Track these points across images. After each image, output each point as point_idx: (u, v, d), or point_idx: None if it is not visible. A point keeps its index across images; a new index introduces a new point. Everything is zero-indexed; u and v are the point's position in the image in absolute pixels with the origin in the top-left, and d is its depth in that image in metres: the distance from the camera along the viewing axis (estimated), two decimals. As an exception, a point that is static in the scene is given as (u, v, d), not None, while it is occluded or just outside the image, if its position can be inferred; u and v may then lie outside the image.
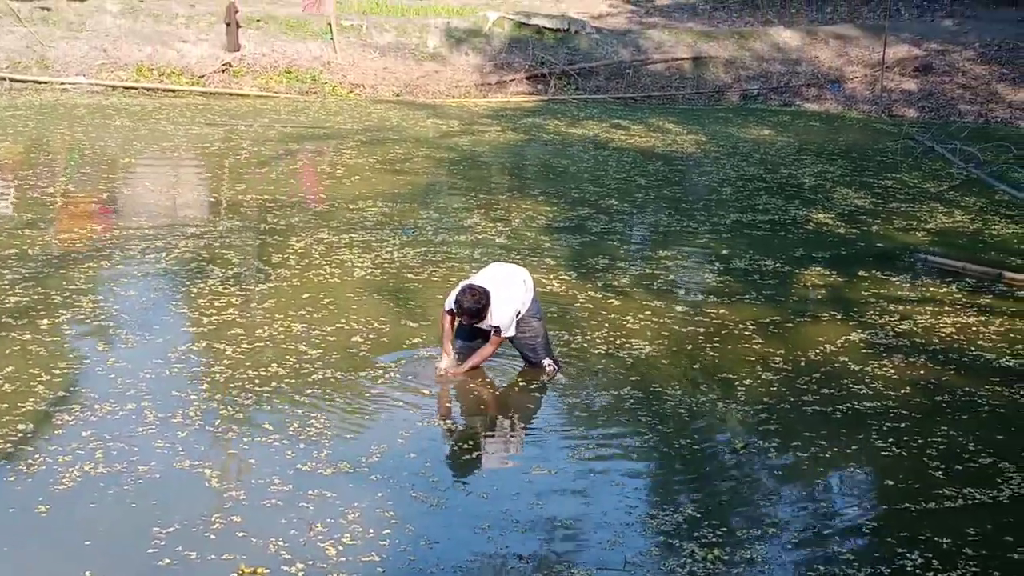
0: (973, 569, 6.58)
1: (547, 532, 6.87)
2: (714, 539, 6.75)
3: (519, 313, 9.07)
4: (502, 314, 8.96)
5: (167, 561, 6.16)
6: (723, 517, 7.09)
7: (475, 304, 8.82)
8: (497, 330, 9.00)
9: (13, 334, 9.56)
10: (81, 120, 20.64)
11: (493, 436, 8.46)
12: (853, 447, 8.25)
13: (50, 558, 6.19)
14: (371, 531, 6.61)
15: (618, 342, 10.18)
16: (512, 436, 8.52)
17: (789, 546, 6.78)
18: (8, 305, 10.31)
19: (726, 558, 6.55)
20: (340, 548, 6.39)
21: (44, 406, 8.15)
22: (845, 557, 6.64)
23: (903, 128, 22.82)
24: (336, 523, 6.68)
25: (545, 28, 28.68)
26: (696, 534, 6.81)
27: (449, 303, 9.01)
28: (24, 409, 8.05)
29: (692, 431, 8.40)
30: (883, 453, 8.18)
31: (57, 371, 8.83)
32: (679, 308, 11.28)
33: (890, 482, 7.73)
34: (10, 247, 12.20)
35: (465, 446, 8.17)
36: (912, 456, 8.13)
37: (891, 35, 28.52)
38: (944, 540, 6.88)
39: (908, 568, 6.55)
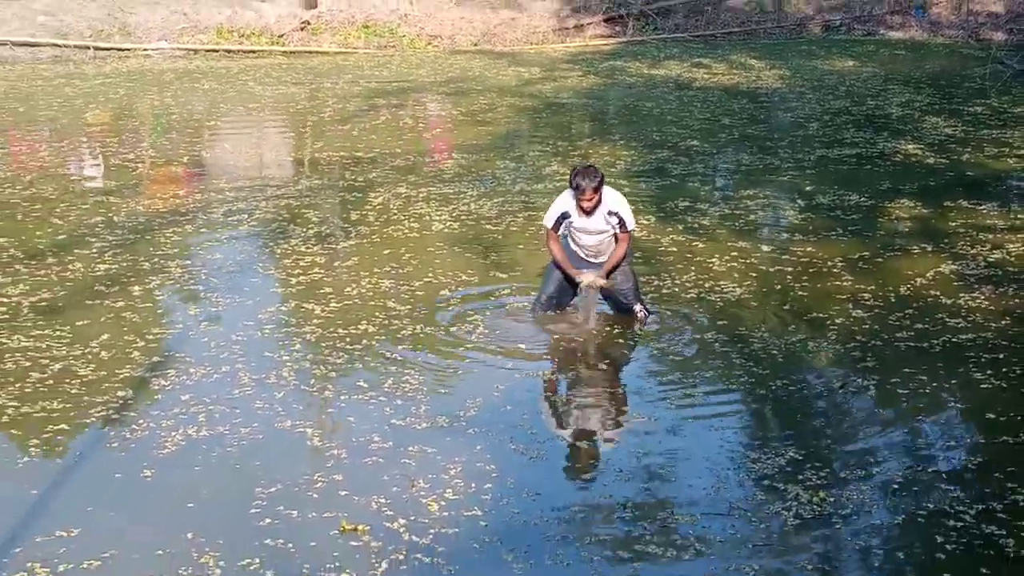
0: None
1: (649, 479, 6.83)
2: (818, 481, 6.67)
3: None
4: (617, 200, 8.98)
5: (268, 521, 6.21)
6: (826, 459, 7.01)
7: (593, 179, 8.75)
8: (623, 224, 8.94)
9: (107, 301, 9.69)
10: (169, 85, 20.91)
11: (589, 385, 8.40)
12: (952, 381, 8.13)
13: (154, 521, 6.25)
14: (472, 485, 6.61)
15: (706, 285, 10.11)
16: (607, 384, 8.47)
17: (895, 486, 6.67)
18: (99, 273, 10.45)
19: (832, 500, 6.47)
20: (442, 503, 6.40)
21: (141, 372, 8.25)
22: (955, 495, 6.52)
23: (991, 52, 22.32)
24: (437, 478, 6.69)
25: (622, -31, 28.41)
26: (800, 477, 6.73)
27: (551, 219, 8.99)
28: (122, 376, 8.16)
29: (787, 372, 8.32)
30: (983, 386, 8.05)
31: (151, 337, 8.93)
32: (765, 247, 11.20)
33: (991, 415, 7.61)
34: (97, 214, 12.38)
35: (561, 396, 8.19)
36: (1012, 388, 8.00)
37: (976, -43, 27.90)
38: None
39: (1021, 503, 6.44)
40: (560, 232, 9.05)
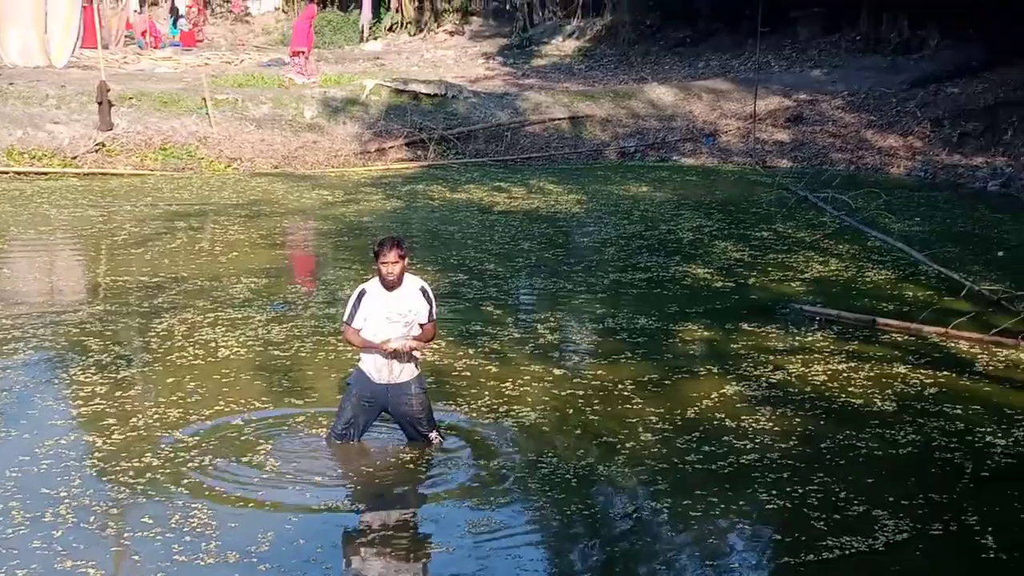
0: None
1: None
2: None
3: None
4: (425, 285, 8.94)
5: None
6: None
7: (396, 243, 8.70)
8: (430, 312, 8.86)
9: None
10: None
11: (385, 516, 8.25)
12: (740, 502, 8.31)
13: None
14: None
15: (501, 409, 10.15)
16: (405, 514, 8.35)
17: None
18: None
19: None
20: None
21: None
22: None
23: (777, 179, 23.28)
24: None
25: (422, 94, 28.80)
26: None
27: (348, 310, 8.87)
28: None
29: (582, 496, 8.38)
30: (768, 507, 8.26)
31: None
32: (557, 371, 11.28)
33: (778, 536, 7.79)
34: None
35: (357, 528, 8.04)
36: (795, 507, 8.23)
37: (762, 87, 29.20)
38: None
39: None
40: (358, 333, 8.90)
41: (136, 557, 7.26)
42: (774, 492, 8.45)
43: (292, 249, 17.17)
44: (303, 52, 31.25)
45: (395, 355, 8.82)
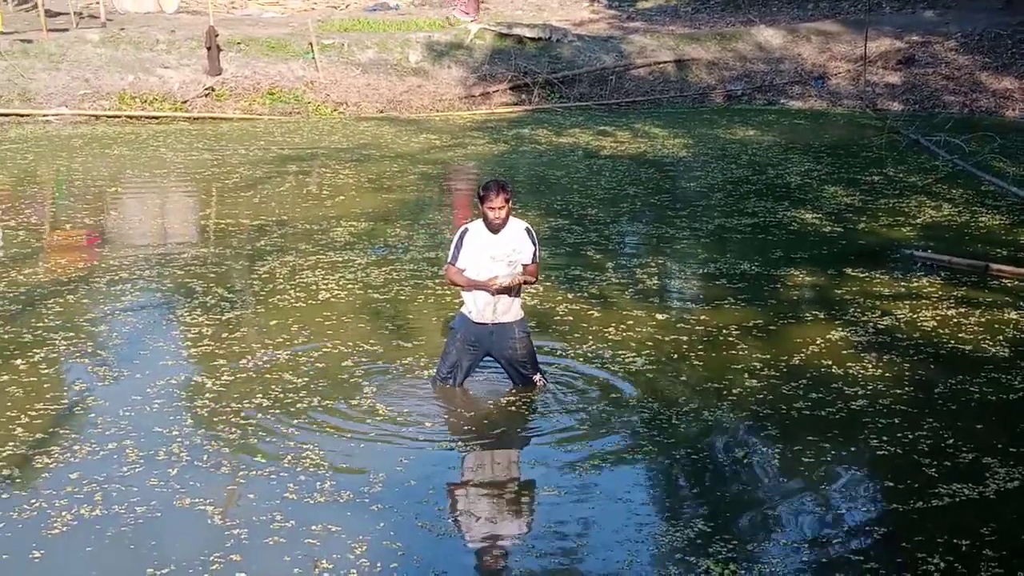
0: (996, 570, 6.53)
1: (561, 554, 6.78)
2: (728, 554, 6.68)
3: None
4: (529, 226, 8.96)
5: None
6: (733, 530, 7.04)
7: (502, 187, 8.70)
8: (534, 254, 8.89)
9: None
10: (79, 151, 20.62)
11: (494, 458, 8.32)
12: (851, 448, 8.24)
13: None
14: (379, 565, 6.49)
15: (605, 354, 10.13)
16: (513, 457, 8.40)
17: (805, 558, 6.72)
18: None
19: (743, 573, 6.48)
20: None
21: (24, 450, 8.00)
22: (868, 567, 6.57)
23: (888, 122, 22.84)
24: (343, 558, 6.56)
25: (526, 38, 28.70)
26: (710, 549, 6.73)
27: (452, 251, 8.88)
28: (5, 454, 7.91)
29: (689, 442, 8.35)
30: (879, 452, 8.18)
31: (35, 412, 8.66)
32: (660, 316, 11.23)
33: (890, 483, 7.72)
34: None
35: (467, 470, 8.09)
36: (906, 454, 8.13)
37: (873, 29, 28.59)
38: (962, 541, 6.83)
39: (932, 573, 6.50)
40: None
41: (251, 495, 7.37)
42: (884, 438, 8.36)
43: (397, 193, 17.25)
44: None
45: (501, 291, 8.82)
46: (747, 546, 6.83)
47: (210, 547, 6.66)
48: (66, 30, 27.95)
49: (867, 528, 7.16)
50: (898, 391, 9.29)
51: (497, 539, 7.07)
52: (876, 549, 6.85)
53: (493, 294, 8.81)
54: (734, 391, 9.27)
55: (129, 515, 7.07)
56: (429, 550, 6.76)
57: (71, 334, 10.55)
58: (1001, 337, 10.57)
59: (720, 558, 6.63)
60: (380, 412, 8.82)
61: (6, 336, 10.46)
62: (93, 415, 8.70)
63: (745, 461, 8.07)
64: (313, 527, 6.92)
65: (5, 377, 9.40)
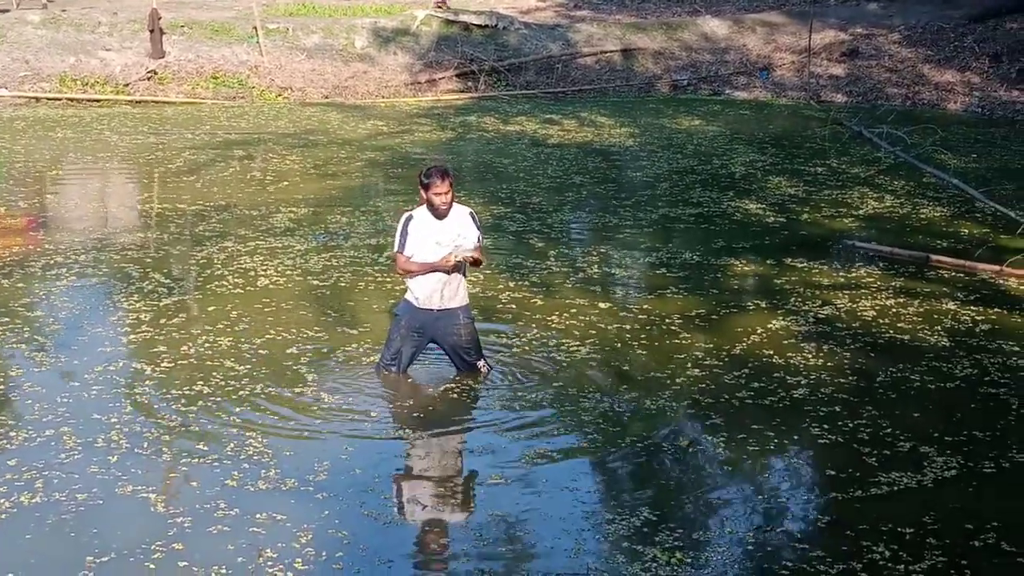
0: (940, 558, 6.61)
1: (507, 542, 6.79)
2: (674, 542, 6.71)
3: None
4: (468, 211, 9.01)
5: None
6: (679, 518, 7.08)
7: (444, 169, 8.81)
8: (479, 239, 8.94)
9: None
10: (23, 133, 20.40)
11: (439, 447, 8.32)
12: (793, 437, 8.31)
13: None
14: (324, 553, 6.48)
15: (550, 342, 10.15)
16: (457, 445, 8.39)
17: (751, 545, 6.77)
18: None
19: (689, 561, 6.52)
20: (290, 574, 6.26)
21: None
22: (813, 554, 6.62)
23: (831, 113, 22.99)
24: (287, 547, 6.53)
25: (473, 25, 28.61)
26: (657, 538, 6.76)
27: (397, 239, 8.88)
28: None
29: (634, 431, 8.39)
30: (821, 441, 8.26)
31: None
32: (603, 304, 11.25)
33: (832, 471, 7.77)
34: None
35: (412, 458, 8.09)
36: (846, 442, 8.22)
37: (817, 21, 28.76)
38: (906, 529, 6.90)
39: (878, 561, 6.57)
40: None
41: (194, 483, 7.33)
42: (826, 427, 8.44)
43: (342, 179, 17.17)
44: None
45: (455, 269, 8.81)
46: (692, 535, 6.88)
47: (152, 535, 6.60)
48: (7, 11, 27.54)
49: (811, 516, 7.24)
50: (840, 380, 9.38)
51: (443, 527, 7.08)
52: (821, 537, 6.91)
53: (449, 272, 8.80)
54: (677, 380, 9.32)
55: (70, 502, 7.00)
56: (375, 538, 6.75)
57: (6, 319, 10.42)
58: (940, 327, 10.68)
59: (666, 547, 6.67)
60: (324, 400, 8.79)
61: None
62: (30, 401, 8.60)
63: (689, 450, 8.11)
64: (257, 515, 6.89)
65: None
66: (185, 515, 6.89)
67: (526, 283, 11.89)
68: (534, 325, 10.58)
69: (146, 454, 7.75)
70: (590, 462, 8.02)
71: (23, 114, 22.54)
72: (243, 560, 6.38)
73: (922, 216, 15.29)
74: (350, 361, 9.64)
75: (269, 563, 6.36)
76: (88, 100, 24.08)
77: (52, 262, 12.28)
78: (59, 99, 23.96)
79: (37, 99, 23.92)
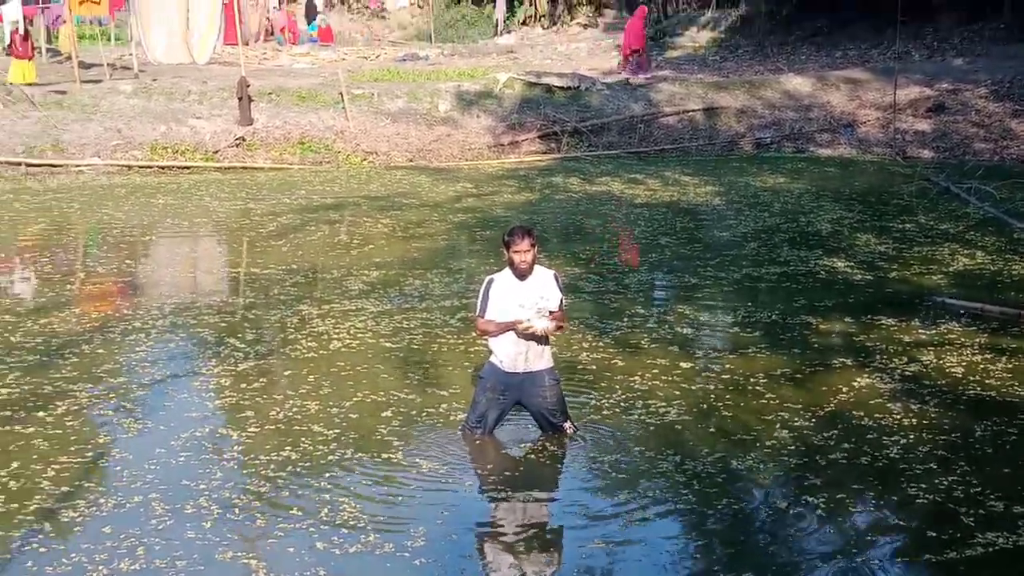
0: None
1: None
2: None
3: None
4: (555, 273, 8.98)
5: None
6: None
7: (527, 228, 8.81)
8: (561, 302, 8.88)
9: (16, 427, 9.42)
10: (124, 200, 20.86)
11: (533, 510, 8.18)
12: (892, 497, 8.17)
13: None
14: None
15: (636, 403, 10.09)
16: (551, 508, 8.30)
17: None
18: (5, 396, 10.18)
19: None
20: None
21: (51, 503, 7.96)
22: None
23: (918, 169, 22.78)
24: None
25: (555, 86, 28.81)
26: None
27: (479, 303, 8.84)
28: (32, 507, 7.89)
29: (724, 492, 8.26)
30: (918, 501, 8.11)
31: (59, 466, 8.63)
32: (685, 364, 11.20)
33: (932, 533, 7.61)
34: (11, 333, 12.19)
35: (507, 522, 8.00)
36: (941, 502, 8.08)
37: (902, 77, 28.58)
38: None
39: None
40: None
41: (290, 549, 7.30)
42: (923, 486, 8.30)
43: (426, 241, 17.30)
44: (638, 51, 31.54)
45: (530, 337, 8.77)
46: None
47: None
48: (99, 81, 28.26)
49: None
50: (932, 437, 9.24)
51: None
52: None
53: (524, 338, 8.77)
54: (767, 442, 9.19)
55: (170, 569, 7.01)
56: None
57: (91, 384, 10.56)
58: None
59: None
60: (413, 464, 8.76)
61: (28, 387, 10.45)
62: (119, 468, 8.66)
63: (786, 512, 7.97)
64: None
65: (31, 429, 9.40)
66: (282, 580, 6.87)
67: (610, 343, 11.85)
68: (617, 386, 10.52)
69: (238, 520, 7.76)
70: (689, 524, 7.88)
71: (120, 181, 23.04)
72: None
73: (1014, 272, 15.04)
74: (438, 424, 9.61)
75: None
76: (178, 167, 24.53)
77: (131, 327, 12.46)
78: (150, 167, 24.43)
79: (129, 167, 24.41)
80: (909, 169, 23.59)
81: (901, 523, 7.86)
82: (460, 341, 11.86)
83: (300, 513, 7.85)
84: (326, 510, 7.90)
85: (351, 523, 7.70)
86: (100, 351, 11.63)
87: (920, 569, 7.22)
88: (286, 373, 10.96)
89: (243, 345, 11.82)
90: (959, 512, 7.88)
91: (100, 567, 7.03)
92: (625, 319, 12.83)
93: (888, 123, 27.57)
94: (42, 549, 7.30)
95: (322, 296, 13.79)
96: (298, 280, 14.69)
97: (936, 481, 8.37)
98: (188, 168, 24.55)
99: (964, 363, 11.12)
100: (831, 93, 29.21)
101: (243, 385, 10.54)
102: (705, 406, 10.04)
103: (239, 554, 7.24)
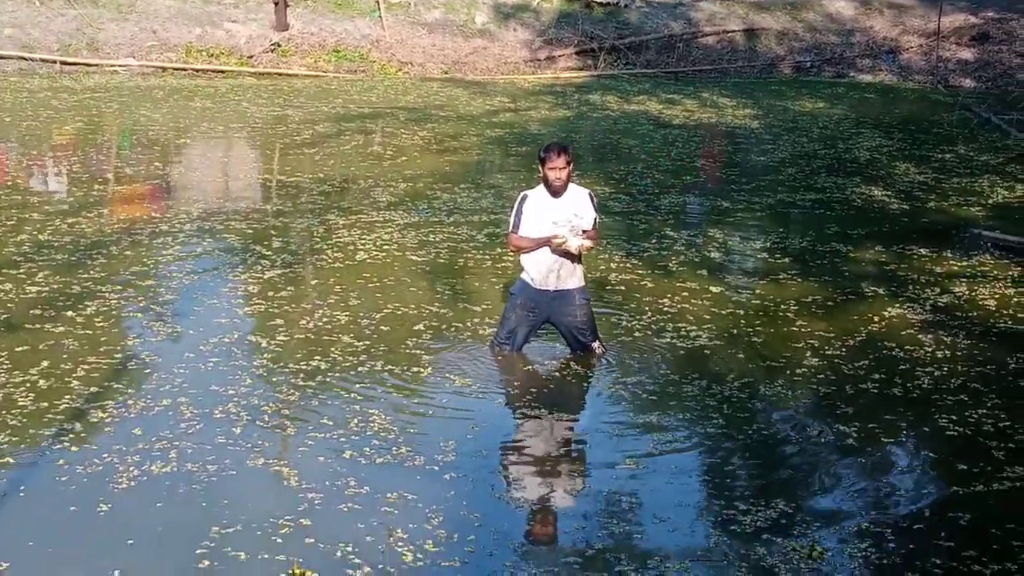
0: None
1: (639, 528, 6.65)
2: (813, 532, 6.59)
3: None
4: (588, 192, 8.92)
5: (208, 563, 6.01)
6: (811, 510, 6.94)
7: (562, 145, 8.76)
8: (595, 221, 8.83)
9: (46, 326, 9.44)
10: (163, 102, 20.81)
11: (561, 429, 8.18)
12: (924, 428, 8.15)
13: (88, 557, 6.06)
14: (455, 536, 6.39)
15: (663, 325, 10.05)
16: (580, 428, 8.30)
17: (890, 539, 6.57)
18: (35, 295, 10.19)
19: (830, 554, 6.38)
20: (421, 555, 6.17)
21: (81, 403, 7.98)
22: (968, 554, 6.42)
23: (959, 99, 22.50)
24: (419, 527, 6.45)
25: (595, 2, 28.47)
26: (794, 531, 6.61)
27: (512, 219, 8.80)
28: (62, 407, 7.91)
29: (759, 419, 8.24)
30: (947, 433, 8.07)
31: (88, 366, 8.65)
32: (715, 288, 11.13)
33: (963, 465, 7.55)
34: (42, 232, 12.19)
35: (535, 441, 8.00)
36: (973, 435, 8.03)
37: (947, 4, 28.17)
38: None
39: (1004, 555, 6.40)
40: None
41: (321, 458, 7.31)
42: (953, 417, 8.26)
43: (459, 155, 17.23)
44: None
45: (565, 254, 8.71)
46: (830, 527, 6.71)
47: (282, 509, 6.60)
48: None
49: (947, 513, 6.97)
50: (963, 369, 9.20)
51: (573, 513, 6.94)
52: (963, 535, 6.70)
53: (557, 254, 8.73)
54: (798, 370, 9.13)
55: (201, 473, 7.03)
56: (506, 522, 6.66)
57: (119, 287, 10.56)
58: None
59: (806, 539, 6.49)
60: (443, 378, 8.76)
61: (57, 286, 10.46)
62: (148, 370, 8.66)
63: (817, 440, 7.94)
64: (388, 494, 6.82)
65: (60, 328, 9.41)
66: (316, 491, 6.85)
67: (642, 265, 11.80)
68: (647, 308, 10.47)
69: (268, 427, 7.76)
70: (717, 449, 7.83)
71: (156, 83, 22.97)
72: (372, 539, 6.32)
73: (1054, 206, 14.91)
74: (468, 338, 9.60)
75: (400, 543, 6.29)
76: (212, 71, 24.40)
77: (159, 230, 12.46)
78: (185, 70, 24.32)
79: (164, 69, 24.29)
80: (950, 98, 23.32)
81: (931, 455, 7.83)
82: (487, 256, 11.84)
83: (330, 423, 7.84)
84: (356, 420, 7.90)
85: (381, 435, 7.69)
86: (128, 252, 11.64)
87: (949, 501, 7.19)
88: (313, 282, 10.96)
89: (270, 252, 11.80)
90: (989, 445, 7.85)
91: (131, 468, 7.04)
92: (654, 240, 12.77)
93: (931, 51, 27.19)
94: (73, 448, 7.33)
95: (350, 206, 13.75)
96: (326, 189, 14.65)
97: (966, 414, 8.33)
98: (223, 72, 24.42)
99: (996, 296, 11.09)
100: (874, 18, 28.80)
101: (271, 293, 10.53)
102: (735, 331, 9.99)
103: (270, 461, 7.25)
